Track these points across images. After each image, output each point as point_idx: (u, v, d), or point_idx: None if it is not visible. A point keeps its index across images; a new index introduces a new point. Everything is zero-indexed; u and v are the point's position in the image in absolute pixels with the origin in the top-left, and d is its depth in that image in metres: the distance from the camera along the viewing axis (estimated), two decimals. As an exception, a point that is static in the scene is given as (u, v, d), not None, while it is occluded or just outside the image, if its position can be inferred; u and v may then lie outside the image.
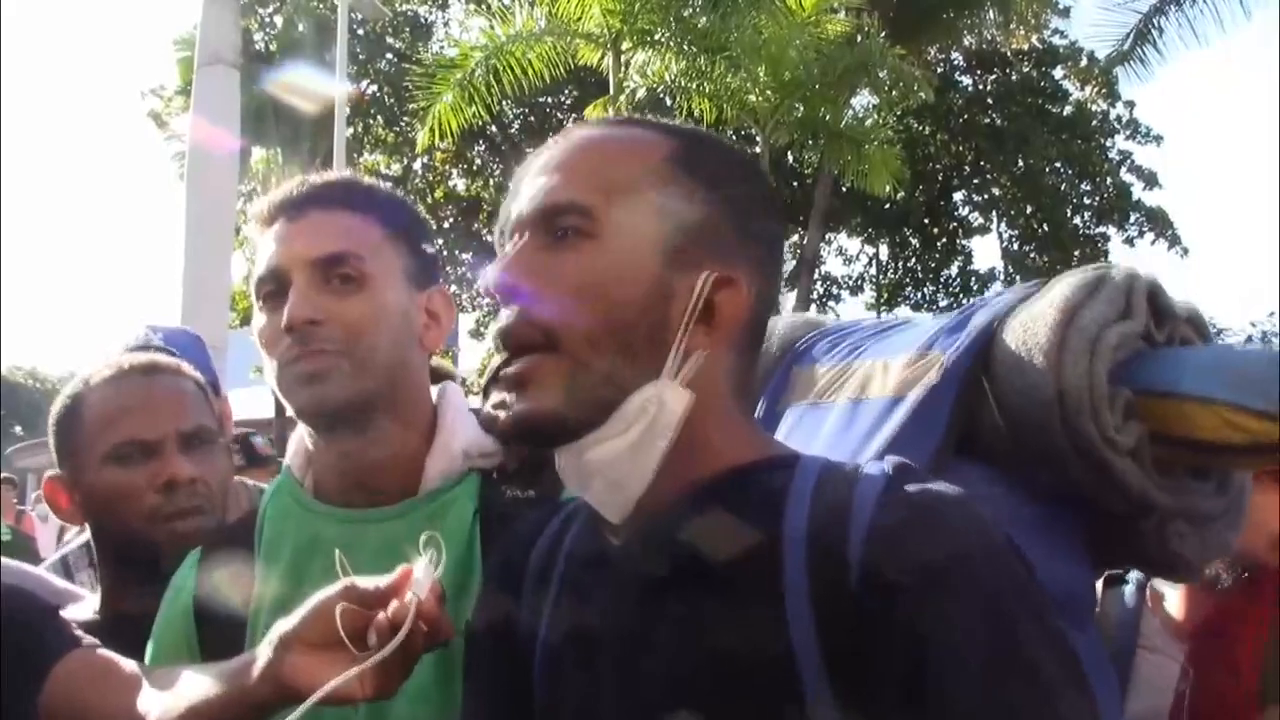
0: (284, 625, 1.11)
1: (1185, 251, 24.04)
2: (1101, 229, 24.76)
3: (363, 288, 1.36)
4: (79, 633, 1.42)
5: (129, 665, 1.36)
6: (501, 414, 1.04)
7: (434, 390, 1.49)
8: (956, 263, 25.55)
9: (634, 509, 1.03)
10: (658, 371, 1.01)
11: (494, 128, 21.19)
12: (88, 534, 1.97)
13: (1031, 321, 1.19)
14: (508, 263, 1.03)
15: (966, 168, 24.83)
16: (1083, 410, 1.13)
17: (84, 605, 1.86)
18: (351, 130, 19.45)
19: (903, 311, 24.34)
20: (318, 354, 1.33)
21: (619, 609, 1.03)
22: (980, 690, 0.86)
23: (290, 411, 1.38)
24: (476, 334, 23.96)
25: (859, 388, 1.27)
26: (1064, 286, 1.21)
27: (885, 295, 25.28)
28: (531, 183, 1.06)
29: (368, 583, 1.09)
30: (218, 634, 1.37)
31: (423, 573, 1.08)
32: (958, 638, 0.87)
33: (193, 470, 1.71)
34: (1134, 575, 1.84)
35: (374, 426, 1.38)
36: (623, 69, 13.62)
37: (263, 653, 1.12)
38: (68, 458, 1.79)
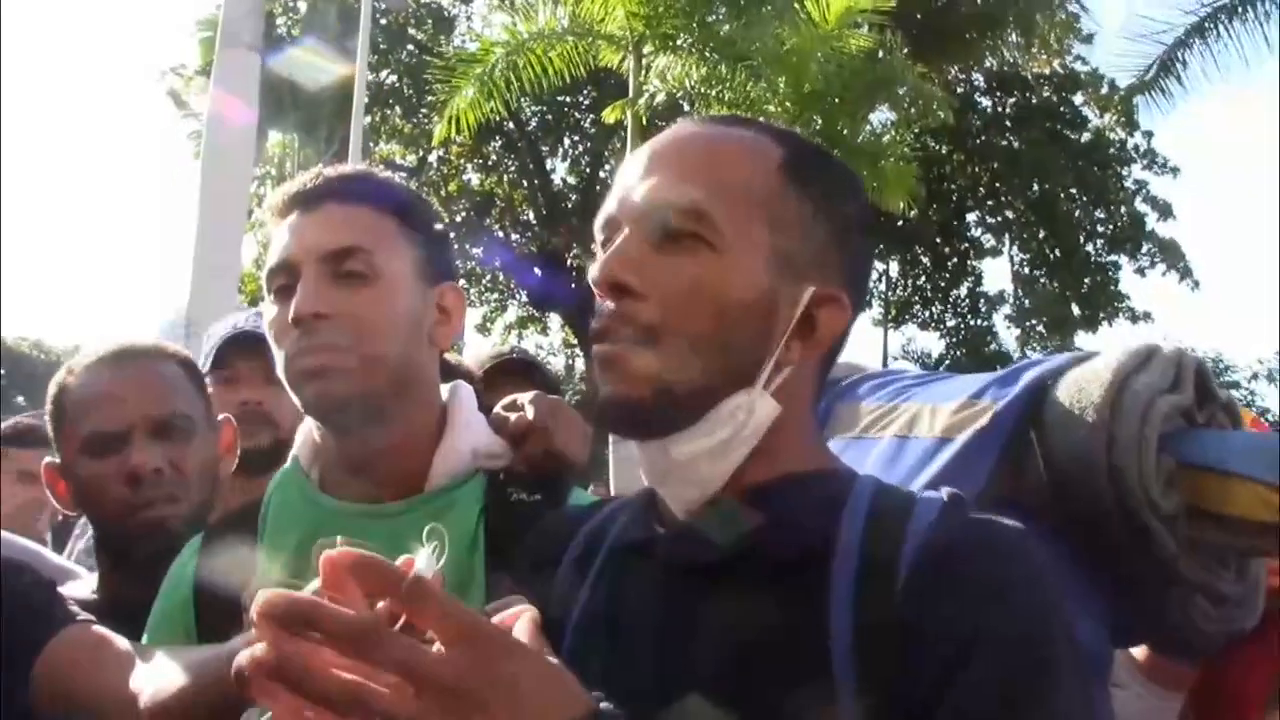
0: None
1: (1196, 284, 24.04)
2: (1113, 257, 24.77)
3: (372, 283, 1.35)
4: (75, 608, 1.42)
5: (123, 643, 1.36)
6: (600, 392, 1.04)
7: (445, 388, 1.48)
8: (966, 283, 25.56)
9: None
10: (750, 378, 1.02)
11: (511, 124, 21.19)
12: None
13: (1085, 381, 1.21)
14: (618, 259, 1.02)
15: (981, 189, 24.83)
16: (1130, 472, 1.16)
17: (81, 584, 1.85)
18: (369, 119, 19.47)
19: (909, 329, 24.35)
20: (324, 349, 1.33)
21: (661, 595, 1.03)
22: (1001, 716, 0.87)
23: (298, 405, 1.38)
24: (483, 328, 23.98)
25: (906, 426, 1.29)
26: (1118, 352, 1.24)
27: (894, 312, 25.27)
28: (642, 177, 1.05)
29: None
30: (216, 625, 1.36)
31: (424, 563, 1.07)
32: (993, 665, 0.88)
33: (159, 460, 1.70)
34: None
35: (380, 423, 1.37)
36: (643, 72, 13.62)
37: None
38: (57, 447, 1.80)
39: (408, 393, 1.39)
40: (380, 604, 1.05)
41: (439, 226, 1.49)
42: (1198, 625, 1.24)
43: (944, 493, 1.01)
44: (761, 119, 1.14)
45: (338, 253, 1.35)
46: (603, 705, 0.82)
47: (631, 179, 1.06)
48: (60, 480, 1.80)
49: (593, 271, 1.03)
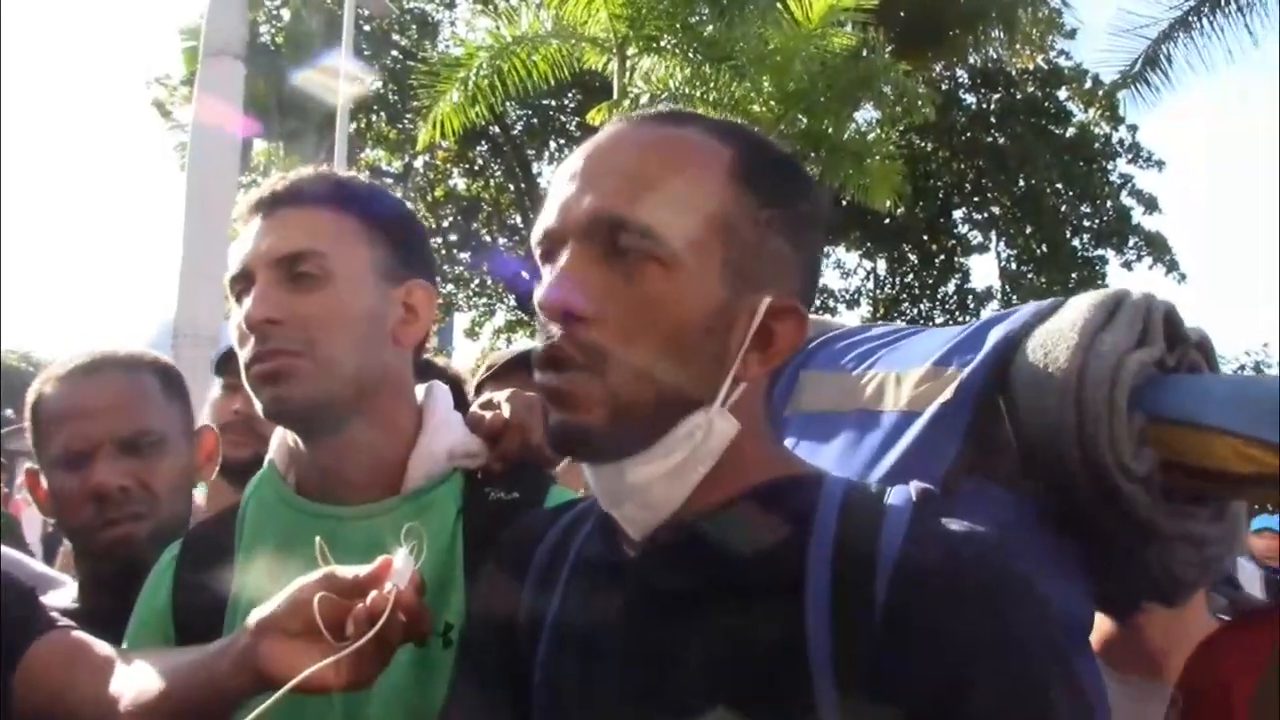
0: (261, 612, 1.10)
1: (1183, 277, 24.10)
2: (1100, 251, 24.80)
3: (324, 285, 1.34)
4: (55, 615, 1.41)
5: (104, 647, 1.36)
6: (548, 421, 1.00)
7: (420, 389, 1.47)
8: (954, 280, 25.57)
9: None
10: (709, 398, 0.97)
11: (496, 128, 21.18)
12: None
13: (1051, 344, 1.17)
14: (563, 279, 0.96)
15: (967, 186, 24.86)
16: (1101, 439, 1.12)
17: (63, 592, 1.85)
18: (354, 125, 19.43)
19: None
20: (277, 353, 1.32)
21: (633, 620, 1.01)
22: None
23: (258, 410, 1.37)
24: (471, 333, 23.95)
25: (870, 399, 1.25)
26: (1083, 308, 1.19)
27: (881, 310, 25.28)
28: (583, 188, 0.98)
29: (347, 572, 1.08)
30: (195, 631, 1.35)
31: (403, 564, 1.07)
32: (984, 701, 0.86)
33: (123, 478, 1.69)
34: None
35: (345, 426, 1.36)
36: (627, 74, 13.62)
37: (238, 639, 1.11)
38: (37, 456, 1.79)
39: (373, 393, 1.37)
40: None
41: (407, 224, 1.47)
42: (1178, 576, 1.22)
43: (913, 492, 0.98)
44: (741, 118, 1.11)
45: (290, 257, 1.34)
46: None
47: (571, 189, 0.99)
48: (39, 485, 1.80)
49: (538, 294, 0.97)
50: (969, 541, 0.93)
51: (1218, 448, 1.13)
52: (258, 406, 1.36)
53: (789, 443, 1.24)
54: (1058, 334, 1.17)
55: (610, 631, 1.02)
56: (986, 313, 1.32)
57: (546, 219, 1.00)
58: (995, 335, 1.22)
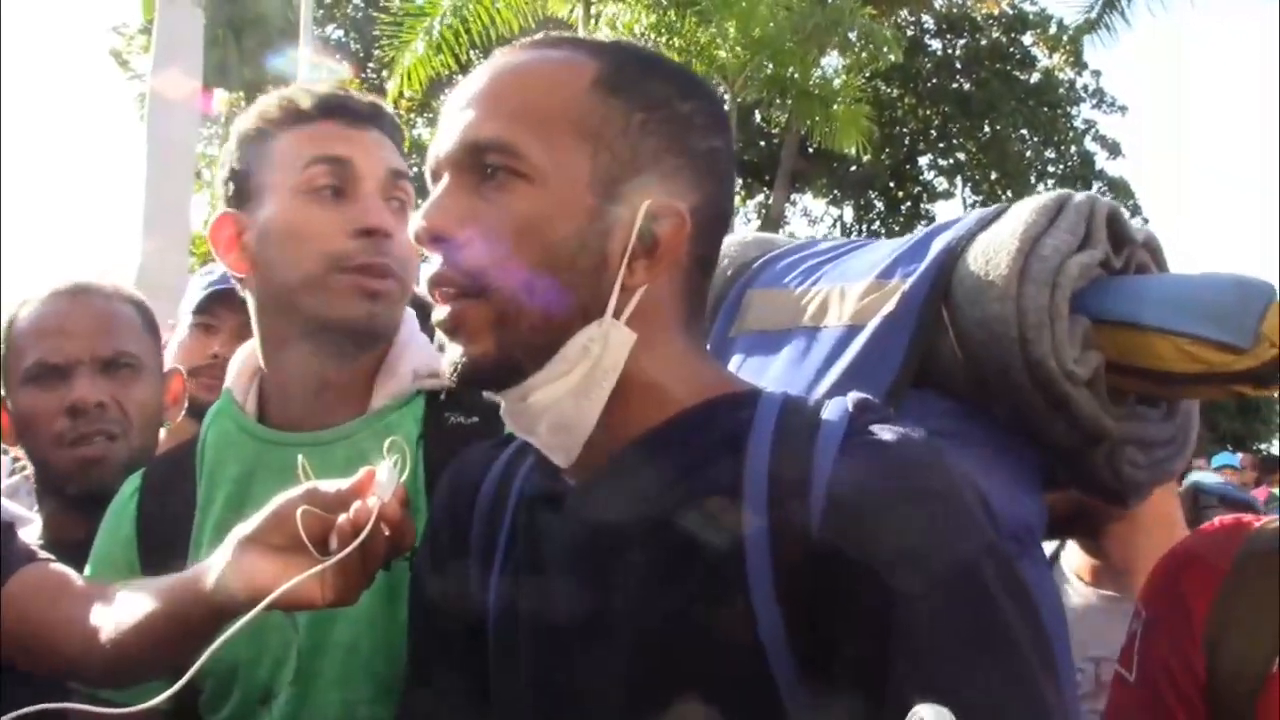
0: (244, 528, 1.08)
1: (1146, 221, 24.26)
2: (1065, 197, 24.90)
3: (406, 209, 1.37)
4: (34, 549, 1.41)
5: (84, 580, 1.36)
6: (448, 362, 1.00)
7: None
8: (920, 227, 25.48)
9: (586, 453, 1.00)
10: (599, 310, 0.96)
11: (461, 78, 20.95)
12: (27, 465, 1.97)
13: (993, 250, 1.16)
14: (432, 208, 0.97)
15: (933, 132, 24.86)
16: (1043, 344, 1.11)
17: (30, 529, 1.85)
18: (317, 76, 19.17)
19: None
20: (390, 274, 1.33)
21: (575, 556, 1.00)
22: (947, 662, 0.84)
23: (317, 317, 1.33)
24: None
25: (816, 315, 1.23)
26: (1025, 212, 1.18)
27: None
28: (454, 118, 1.00)
29: (330, 485, 1.06)
30: (159, 561, 1.34)
31: (386, 477, 1.05)
32: (926, 609, 0.85)
33: (101, 395, 1.69)
34: None
35: (377, 347, 1.39)
36: (592, 21, 13.51)
37: (221, 555, 1.09)
38: (3, 380, 1.77)
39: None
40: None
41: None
42: (1128, 477, 1.22)
43: (850, 403, 0.97)
44: (707, 65, 1.11)
45: (394, 174, 1.36)
46: None
47: (447, 121, 1.00)
48: (3, 411, 1.78)
49: (411, 224, 0.99)
50: (900, 448, 0.92)
51: (1160, 347, 1.13)
52: (333, 314, 1.32)
53: (736, 361, 1.24)
54: (999, 241, 1.16)
55: (555, 563, 1.01)
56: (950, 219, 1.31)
57: (432, 149, 1.02)
58: (938, 245, 1.21)
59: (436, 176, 1.01)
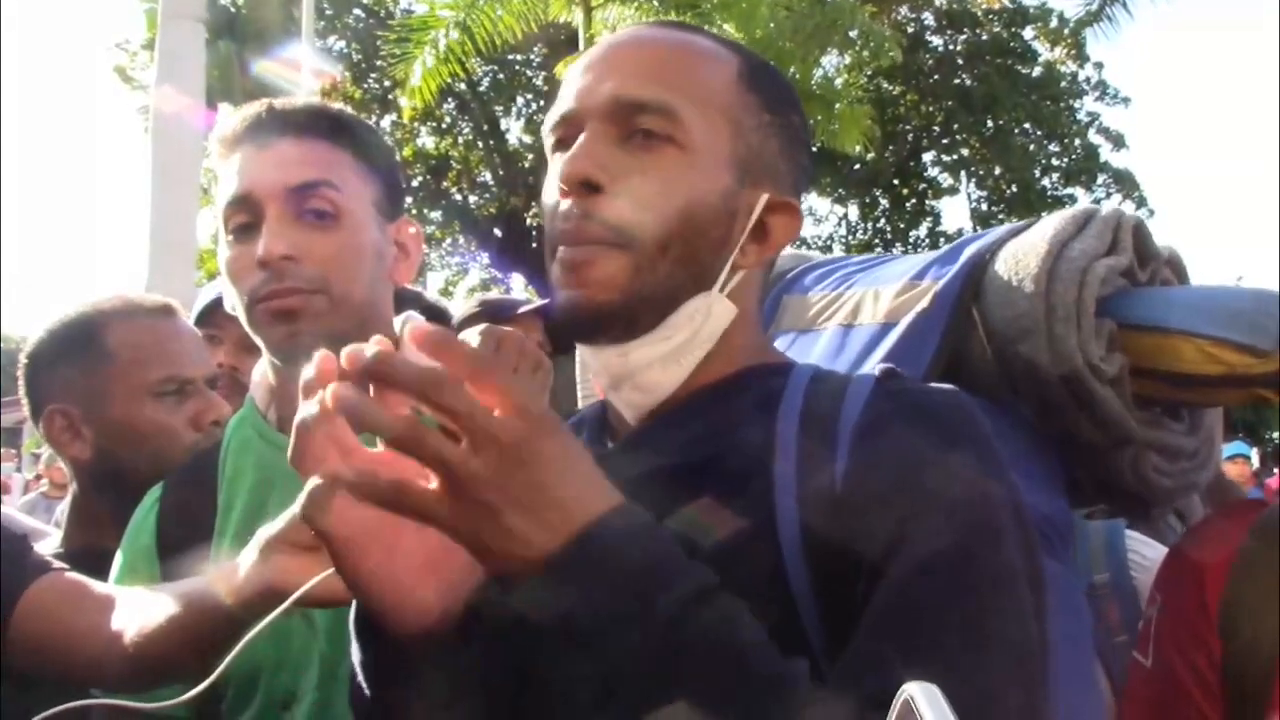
0: (268, 528, 1.10)
1: (1151, 213, 24.21)
2: (1069, 190, 24.84)
3: (338, 221, 1.33)
4: (51, 559, 1.42)
5: (104, 587, 1.36)
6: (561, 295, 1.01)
7: (398, 321, 1.47)
8: (925, 224, 25.59)
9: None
10: (707, 282, 1.01)
11: (463, 85, 20.99)
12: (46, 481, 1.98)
13: (1022, 253, 1.22)
14: (584, 156, 0.99)
15: (936, 128, 24.81)
16: (1070, 338, 1.17)
17: (47, 542, 1.85)
18: (320, 86, 19.19)
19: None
20: (293, 291, 1.31)
21: None
22: (940, 588, 0.85)
23: (261, 346, 1.37)
24: (445, 293, 23.83)
25: (850, 314, 1.29)
26: (1054, 220, 1.25)
27: (854, 256, 25.28)
28: (603, 75, 1.02)
29: None
30: (180, 570, 1.34)
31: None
32: (930, 536, 0.86)
33: (220, 413, 1.75)
34: None
35: None
36: (593, 25, 13.50)
37: (247, 556, 1.11)
38: (81, 391, 1.76)
39: (366, 329, 1.37)
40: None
41: (393, 158, 1.46)
42: (1152, 483, 1.25)
43: (876, 369, 1.00)
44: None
45: (301, 189, 1.32)
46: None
47: (591, 77, 1.03)
48: (72, 423, 1.76)
49: (561, 168, 1.00)
50: (928, 394, 0.96)
51: (1185, 350, 1.18)
52: (260, 340, 1.36)
53: None
54: (1029, 245, 1.23)
55: None
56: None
57: (562, 105, 1.04)
58: (970, 251, 1.27)
59: (570, 125, 1.03)
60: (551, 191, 1.02)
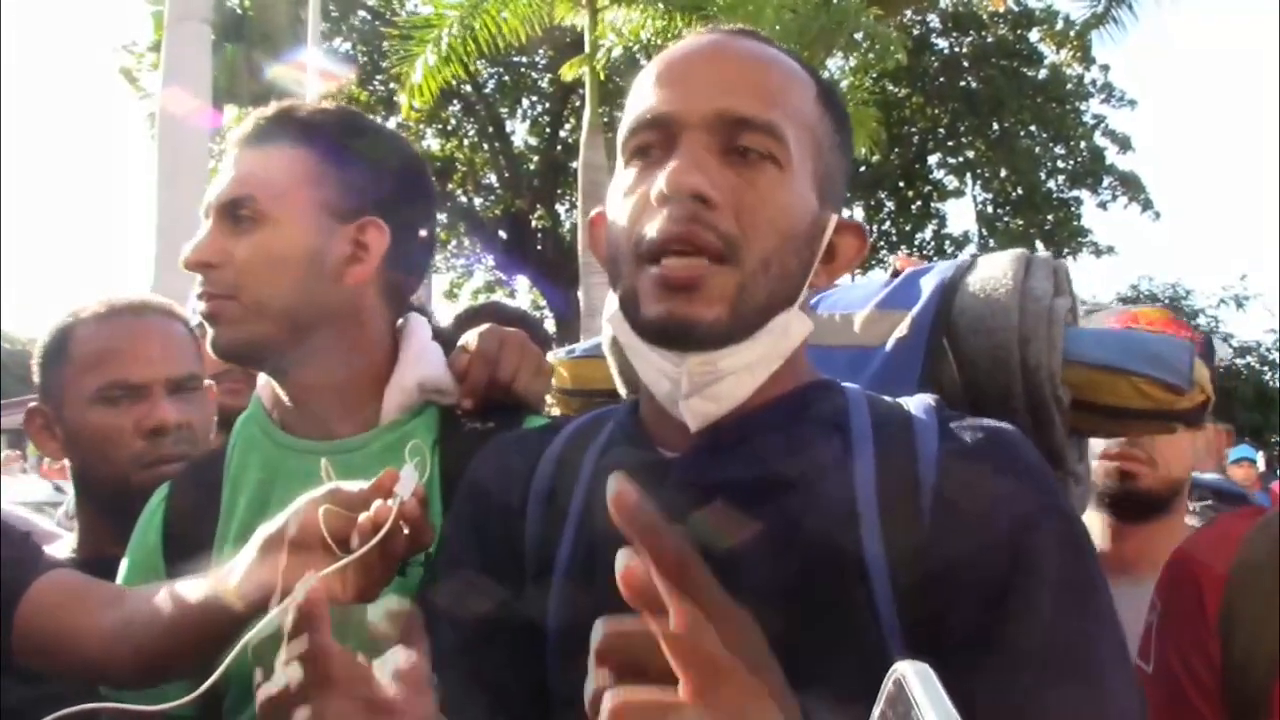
0: (267, 527, 1.12)
1: (1157, 215, 24.18)
2: (1075, 192, 24.85)
3: (259, 228, 1.34)
4: (54, 557, 1.42)
5: (108, 585, 1.37)
6: (659, 309, 1.00)
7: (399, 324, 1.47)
8: (931, 226, 25.57)
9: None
10: (791, 300, 1.04)
11: (469, 87, 21.02)
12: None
13: (990, 286, 1.30)
14: (693, 170, 0.98)
15: (941, 131, 24.81)
16: (1042, 369, 1.26)
17: (59, 545, 1.86)
18: (324, 88, 19.22)
19: (877, 275, 24.38)
20: (211, 296, 1.35)
21: (679, 518, 0.96)
22: (1063, 608, 0.91)
23: None
24: (450, 295, 23.87)
25: (819, 336, 1.26)
26: (1003, 261, 1.34)
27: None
28: (697, 85, 1.02)
29: (352, 486, 1.10)
30: (185, 568, 1.34)
31: (406, 477, 1.09)
32: (1045, 560, 0.91)
33: (179, 416, 1.72)
34: None
35: (289, 364, 1.38)
36: (598, 27, 13.50)
37: (245, 555, 1.13)
38: (52, 393, 1.77)
39: (313, 332, 1.36)
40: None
41: (369, 157, 1.43)
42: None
43: (929, 399, 1.05)
44: None
45: (231, 202, 1.36)
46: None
47: (685, 87, 1.03)
48: (47, 426, 1.79)
49: (669, 178, 0.98)
50: (994, 430, 1.01)
51: (1121, 386, 1.29)
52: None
53: None
54: (992, 279, 1.32)
55: None
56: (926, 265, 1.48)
57: (649, 111, 1.03)
58: (929, 282, 1.35)
59: (665, 128, 1.02)
60: (635, 196, 1.02)
